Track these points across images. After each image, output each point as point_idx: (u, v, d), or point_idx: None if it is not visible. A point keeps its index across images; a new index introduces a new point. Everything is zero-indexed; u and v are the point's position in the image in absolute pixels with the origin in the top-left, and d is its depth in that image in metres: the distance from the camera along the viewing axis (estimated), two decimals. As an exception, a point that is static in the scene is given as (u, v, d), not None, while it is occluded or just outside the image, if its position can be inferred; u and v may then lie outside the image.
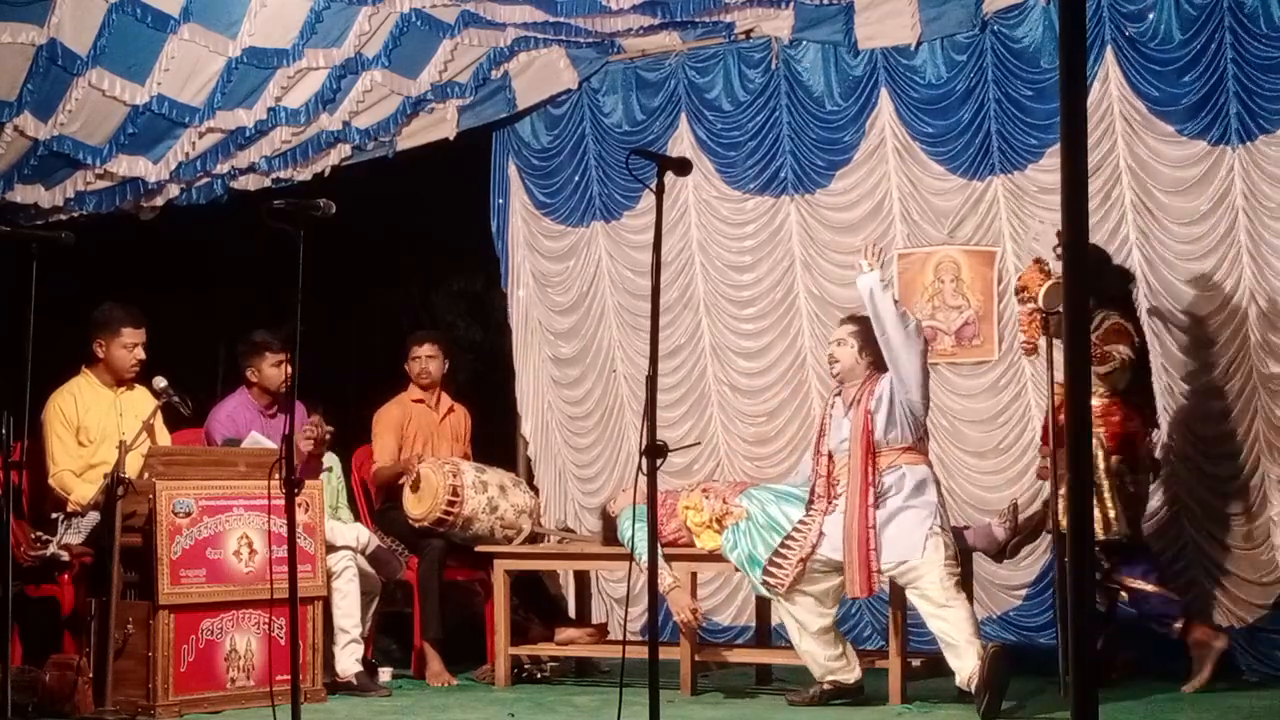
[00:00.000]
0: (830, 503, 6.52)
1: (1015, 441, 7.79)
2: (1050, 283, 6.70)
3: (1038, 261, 6.90)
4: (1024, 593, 7.76)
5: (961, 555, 6.61)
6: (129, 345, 7.08)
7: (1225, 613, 7.29)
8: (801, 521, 6.57)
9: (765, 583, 6.55)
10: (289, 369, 7.40)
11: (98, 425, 7.02)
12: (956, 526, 6.80)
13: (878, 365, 6.58)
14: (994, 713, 6.12)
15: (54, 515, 6.84)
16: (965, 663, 6.21)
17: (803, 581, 6.49)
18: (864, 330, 6.62)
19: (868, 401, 6.51)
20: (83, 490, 6.89)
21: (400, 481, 7.68)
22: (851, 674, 6.60)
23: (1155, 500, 7.45)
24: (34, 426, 6.88)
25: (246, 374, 7.56)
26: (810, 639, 6.55)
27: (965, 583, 6.80)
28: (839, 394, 6.71)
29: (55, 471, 6.97)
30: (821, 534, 6.47)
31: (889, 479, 6.44)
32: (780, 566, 6.50)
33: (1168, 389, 7.41)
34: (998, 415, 7.85)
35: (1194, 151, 7.35)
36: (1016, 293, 7.00)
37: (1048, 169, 7.63)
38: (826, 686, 6.57)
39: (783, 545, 6.55)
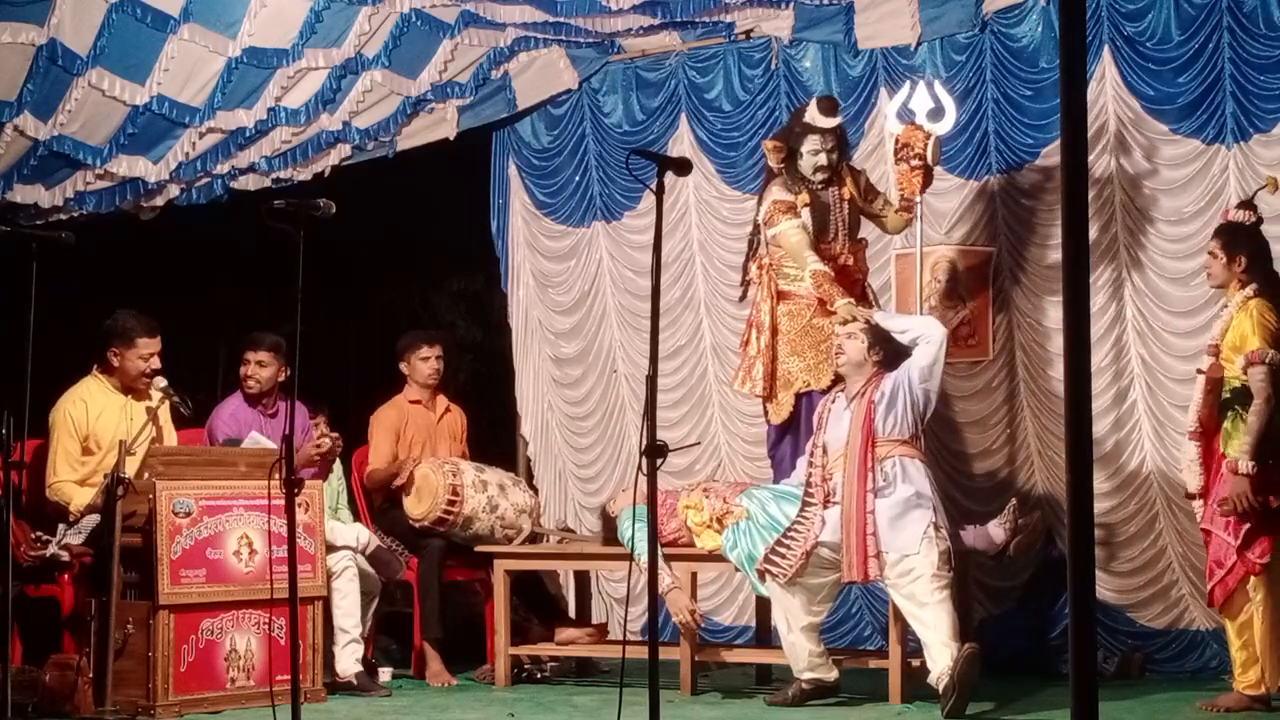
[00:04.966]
0: (826, 497, 6.53)
1: (1009, 442, 7.79)
2: (935, 137, 7.13)
3: (913, 123, 7.17)
4: (1021, 594, 7.76)
5: (960, 556, 6.62)
6: (145, 355, 7.06)
7: (1205, 615, 7.29)
8: (802, 515, 6.57)
9: (767, 570, 6.53)
10: (264, 370, 7.43)
11: (108, 432, 6.99)
12: (955, 528, 6.79)
13: (885, 363, 6.61)
14: (958, 713, 6.14)
15: (60, 525, 6.84)
16: (939, 662, 6.23)
17: (804, 574, 6.49)
18: (874, 328, 6.65)
19: (872, 394, 6.55)
20: (83, 498, 6.88)
21: (394, 485, 7.68)
22: (832, 673, 6.61)
23: (1134, 503, 7.47)
24: (40, 425, 6.89)
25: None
26: (798, 632, 6.55)
27: (964, 584, 6.81)
28: (842, 390, 6.73)
29: (54, 482, 6.95)
30: (823, 522, 6.49)
31: (887, 469, 6.46)
32: (784, 557, 6.50)
33: (1150, 388, 7.43)
34: (990, 415, 7.84)
35: (1187, 150, 7.36)
36: (896, 151, 7.23)
37: (1042, 168, 7.64)
38: (805, 685, 6.56)
39: (785, 536, 6.55)
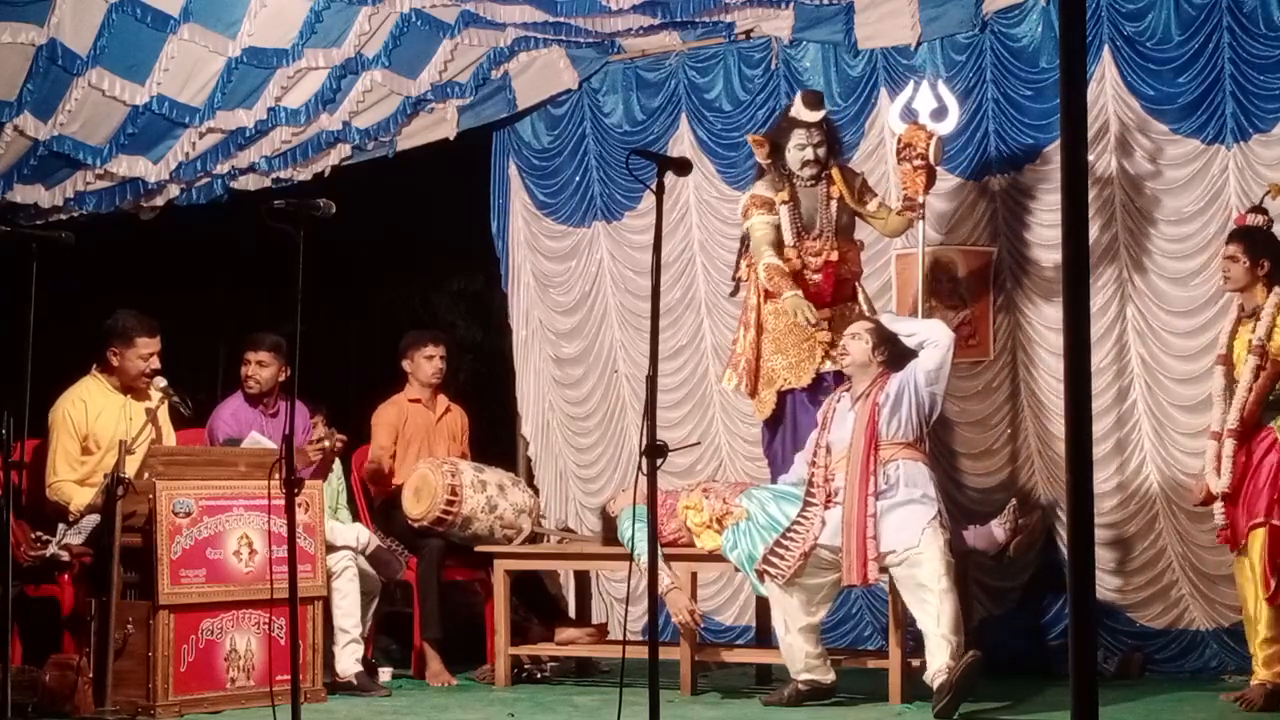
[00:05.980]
0: (828, 497, 6.53)
1: (1009, 442, 7.78)
2: (937, 137, 7.15)
3: (916, 123, 7.19)
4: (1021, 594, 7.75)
5: (960, 556, 6.61)
6: (144, 355, 7.06)
7: (1205, 615, 7.29)
8: (803, 515, 6.56)
9: (765, 572, 6.52)
10: (264, 370, 7.44)
11: (107, 432, 6.98)
12: (956, 528, 6.79)
13: (890, 364, 6.60)
14: (948, 715, 6.12)
15: (60, 525, 6.83)
16: (936, 658, 6.21)
17: (802, 575, 6.49)
18: (879, 329, 6.64)
19: (877, 395, 6.55)
20: (82, 498, 6.87)
21: (393, 485, 7.70)
22: (829, 675, 6.60)
23: (1134, 502, 7.46)
24: (40, 425, 6.90)
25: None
26: (796, 633, 6.54)
27: (964, 584, 6.80)
28: (847, 389, 6.73)
29: (53, 482, 6.94)
30: (823, 523, 6.48)
31: (890, 472, 6.46)
32: (782, 558, 6.49)
33: (1150, 388, 7.43)
34: (991, 416, 7.84)
35: (1187, 150, 7.36)
36: (899, 151, 7.24)
37: (1042, 169, 7.63)
38: (802, 686, 6.55)
39: (785, 536, 6.54)
